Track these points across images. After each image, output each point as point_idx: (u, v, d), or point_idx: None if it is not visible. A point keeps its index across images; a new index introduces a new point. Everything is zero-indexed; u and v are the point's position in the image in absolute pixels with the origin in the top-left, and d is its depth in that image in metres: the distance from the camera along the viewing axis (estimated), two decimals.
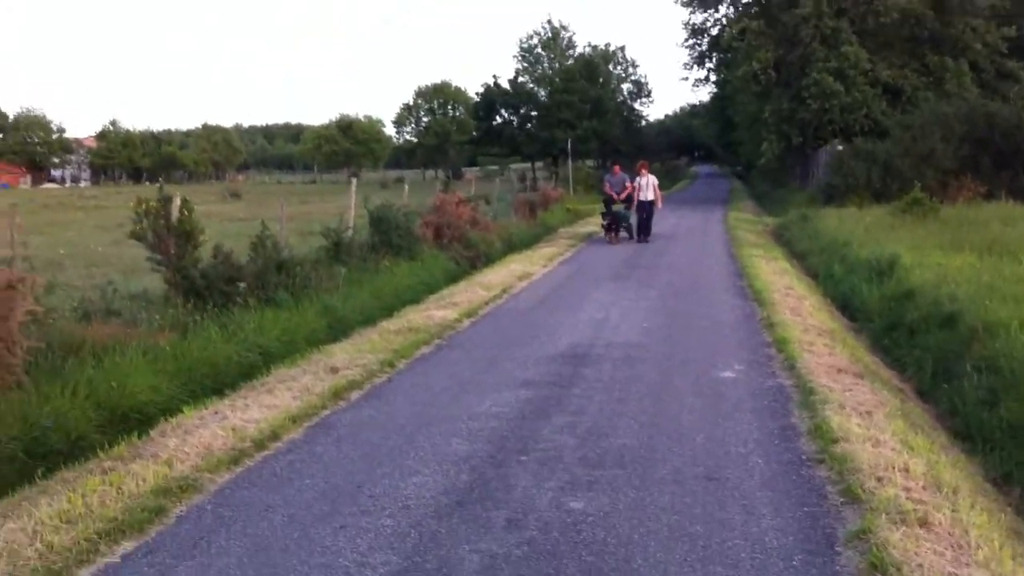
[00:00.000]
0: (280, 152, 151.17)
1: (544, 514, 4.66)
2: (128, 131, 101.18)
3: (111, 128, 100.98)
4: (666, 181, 62.37)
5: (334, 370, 7.93)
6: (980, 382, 8.10)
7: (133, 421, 7.19)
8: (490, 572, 3.99)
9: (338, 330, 10.95)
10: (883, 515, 4.39)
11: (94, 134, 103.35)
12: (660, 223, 25.29)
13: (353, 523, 4.58)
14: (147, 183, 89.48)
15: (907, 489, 4.79)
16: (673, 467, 5.39)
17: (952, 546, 4.15)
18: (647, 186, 21.03)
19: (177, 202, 10.65)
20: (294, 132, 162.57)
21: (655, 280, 14.20)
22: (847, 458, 5.28)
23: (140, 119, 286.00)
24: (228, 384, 8.20)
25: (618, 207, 21.28)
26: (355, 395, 7.33)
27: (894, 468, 5.09)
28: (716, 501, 4.83)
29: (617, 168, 22.64)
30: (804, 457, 5.53)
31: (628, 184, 21.25)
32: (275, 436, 6.10)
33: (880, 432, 5.88)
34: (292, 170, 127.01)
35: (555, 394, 7.19)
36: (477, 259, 18.00)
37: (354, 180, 18.49)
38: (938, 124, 28.05)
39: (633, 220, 21.37)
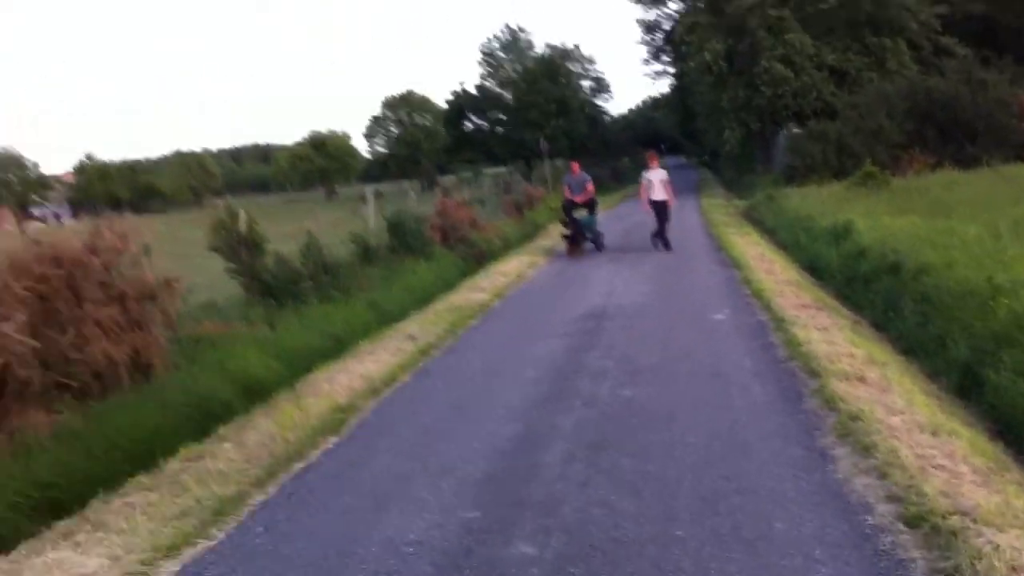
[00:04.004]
0: (251, 174, 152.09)
1: (606, 399, 6.87)
2: (104, 163, 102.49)
3: (87, 162, 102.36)
4: (637, 175, 64.70)
5: (412, 338, 10.11)
6: (916, 309, 10.35)
7: (256, 392, 9.23)
8: (581, 426, 6.19)
9: (383, 320, 12.95)
10: (833, 377, 6.63)
11: (71, 169, 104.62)
12: (640, 213, 27.54)
13: (477, 416, 6.78)
14: (129, 214, 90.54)
15: (851, 364, 7.05)
16: (687, 371, 7.60)
17: (879, 389, 6.38)
18: (657, 182, 17.83)
19: (243, 216, 12.70)
20: (262, 153, 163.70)
21: (646, 259, 16.41)
22: (809, 354, 7.51)
23: (106, 150, 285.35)
24: (315, 363, 10.20)
25: (580, 212, 18.19)
26: (436, 353, 9.54)
27: (842, 355, 7.36)
28: (721, 385, 7.05)
29: (575, 166, 19.71)
30: (780, 357, 7.78)
31: (589, 185, 18.53)
32: (393, 378, 8.30)
33: (834, 338, 8.17)
34: (267, 191, 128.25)
35: (588, 339, 9.37)
36: (482, 256, 20.04)
37: (369, 192, 20.56)
38: (882, 102, 30.33)
39: (604, 227, 19.23)
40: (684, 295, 11.90)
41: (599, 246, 18.56)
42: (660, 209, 17.62)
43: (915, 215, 16.51)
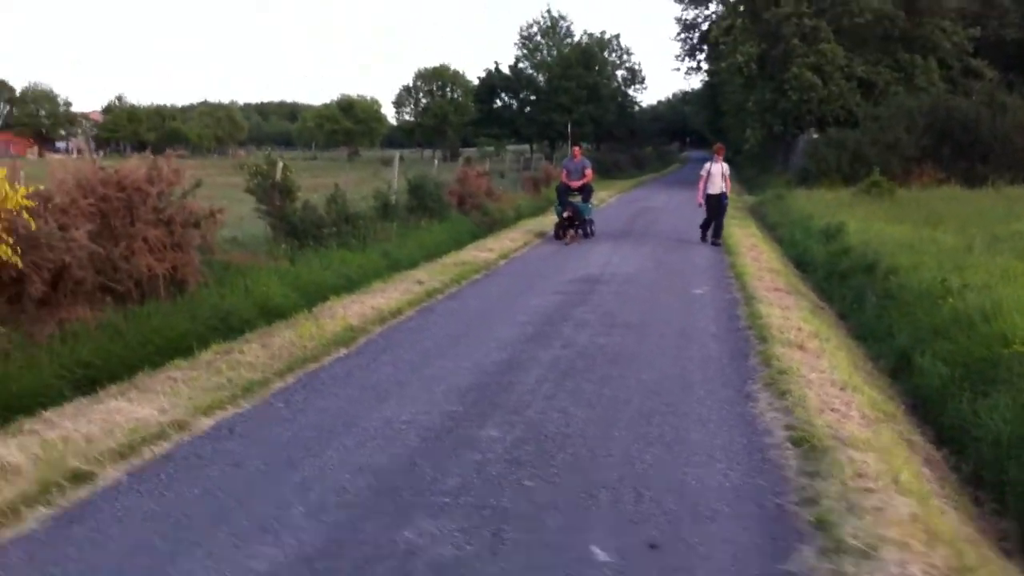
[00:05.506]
0: (275, 129, 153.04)
1: (583, 343, 7.98)
2: (133, 105, 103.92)
3: (117, 103, 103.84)
4: (658, 164, 65.65)
5: (420, 282, 11.24)
6: (878, 304, 11.37)
7: (275, 315, 10.32)
8: (557, 360, 7.30)
9: (394, 269, 14.01)
10: (777, 344, 7.70)
11: (100, 108, 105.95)
12: (652, 198, 28.54)
13: (474, 345, 7.91)
14: (151, 156, 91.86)
15: (796, 335, 8.12)
16: (659, 330, 8.69)
17: (813, 356, 7.45)
18: (717, 175, 17.30)
19: (280, 165, 13.78)
20: (288, 110, 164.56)
21: (647, 239, 17.47)
22: (765, 325, 8.59)
23: (138, 93, 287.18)
24: (329, 297, 11.26)
25: (575, 198, 17.68)
26: (440, 297, 10.69)
27: (792, 328, 8.43)
28: (685, 341, 8.14)
29: (576, 151, 19.36)
30: (740, 326, 8.86)
31: (588, 171, 17.93)
32: (399, 312, 9.44)
33: (791, 315, 9.24)
34: (290, 147, 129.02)
35: (579, 298, 10.47)
36: (494, 224, 21.14)
37: (397, 156, 21.58)
38: (903, 116, 31.14)
39: (593, 215, 18.54)
40: (674, 271, 12.95)
41: (588, 233, 17.97)
42: (716, 203, 17.12)
43: (908, 224, 17.49)
